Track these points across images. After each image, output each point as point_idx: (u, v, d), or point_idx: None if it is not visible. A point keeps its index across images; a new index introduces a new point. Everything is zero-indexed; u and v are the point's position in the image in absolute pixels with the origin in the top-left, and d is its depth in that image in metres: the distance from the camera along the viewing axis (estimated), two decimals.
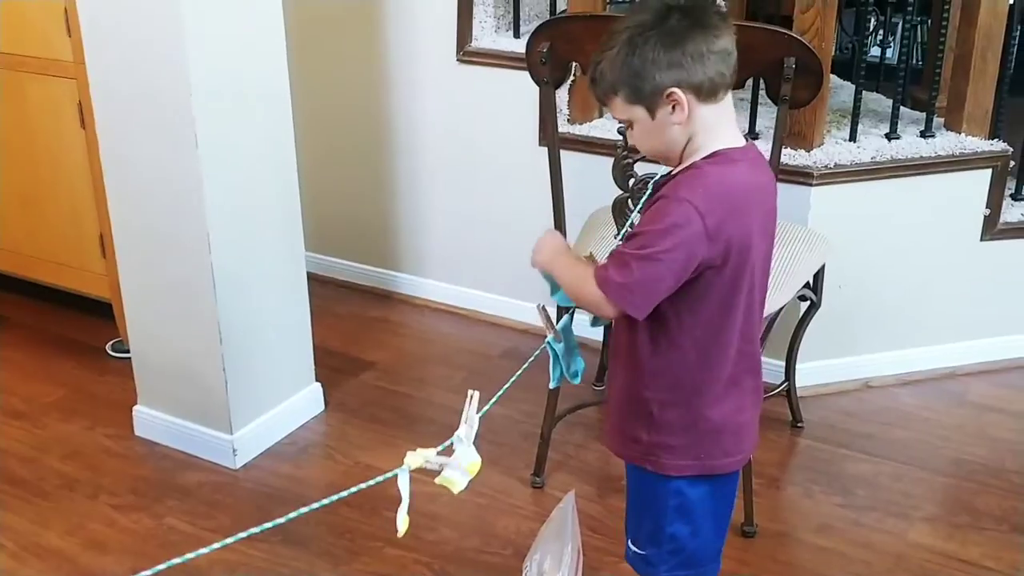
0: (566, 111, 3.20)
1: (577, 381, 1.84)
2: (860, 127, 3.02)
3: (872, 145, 2.98)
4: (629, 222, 2.03)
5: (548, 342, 1.77)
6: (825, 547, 2.49)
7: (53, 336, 3.45)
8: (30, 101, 3.19)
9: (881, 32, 4.33)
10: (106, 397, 3.08)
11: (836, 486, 2.71)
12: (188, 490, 2.69)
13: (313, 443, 2.90)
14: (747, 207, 1.60)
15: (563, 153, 2.54)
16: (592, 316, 1.74)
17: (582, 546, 2.12)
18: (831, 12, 2.78)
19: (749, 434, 1.79)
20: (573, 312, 1.81)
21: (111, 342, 3.34)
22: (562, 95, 3.16)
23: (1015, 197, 3.23)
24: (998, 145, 3.05)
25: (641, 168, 2.24)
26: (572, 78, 3.00)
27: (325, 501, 1.31)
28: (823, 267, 2.73)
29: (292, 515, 1.25)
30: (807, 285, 2.68)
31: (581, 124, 3.21)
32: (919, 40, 5.06)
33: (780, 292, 2.46)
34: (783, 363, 2.91)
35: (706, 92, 1.56)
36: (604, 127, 3.18)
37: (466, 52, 3.32)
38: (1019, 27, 3.04)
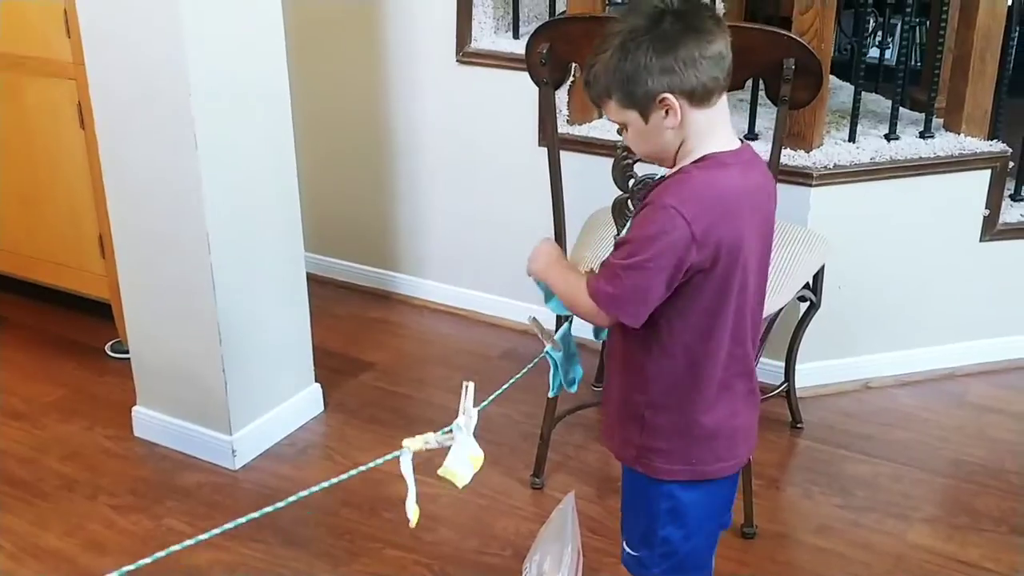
0: (566, 112, 3.20)
1: (574, 390, 1.85)
2: (859, 128, 3.02)
3: (871, 146, 2.98)
4: (628, 224, 2.02)
5: (547, 352, 1.77)
6: (824, 548, 2.49)
7: (52, 336, 3.45)
8: (29, 102, 3.19)
9: (880, 33, 4.32)
10: (105, 398, 3.08)
11: (835, 487, 2.71)
12: (187, 491, 2.69)
13: (312, 444, 2.90)
14: (736, 210, 1.59)
15: (563, 154, 2.54)
16: (594, 327, 1.75)
17: (582, 547, 2.12)
18: (830, 13, 2.79)
19: (744, 439, 1.78)
20: (571, 319, 1.81)
21: (110, 343, 3.34)
22: (562, 96, 3.16)
23: (1014, 198, 3.23)
24: (997, 146, 3.05)
25: (641, 169, 2.24)
26: (572, 79, 3.00)
27: (314, 488, 1.31)
28: (823, 268, 2.73)
29: (279, 504, 1.25)
30: (807, 286, 2.68)
31: (581, 125, 3.21)
32: (918, 41, 5.06)
33: (780, 293, 2.46)
34: (783, 364, 2.92)
35: (699, 97, 1.56)
36: (604, 128, 3.18)
37: (465, 53, 3.32)
38: (1018, 28, 3.04)
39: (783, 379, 2.92)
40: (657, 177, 1.76)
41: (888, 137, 3.02)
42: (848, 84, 3.33)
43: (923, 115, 3.09)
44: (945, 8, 3.11)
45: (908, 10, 3.06)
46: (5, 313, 3.59)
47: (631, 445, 1.76)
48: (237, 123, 2.57)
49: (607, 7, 3.13)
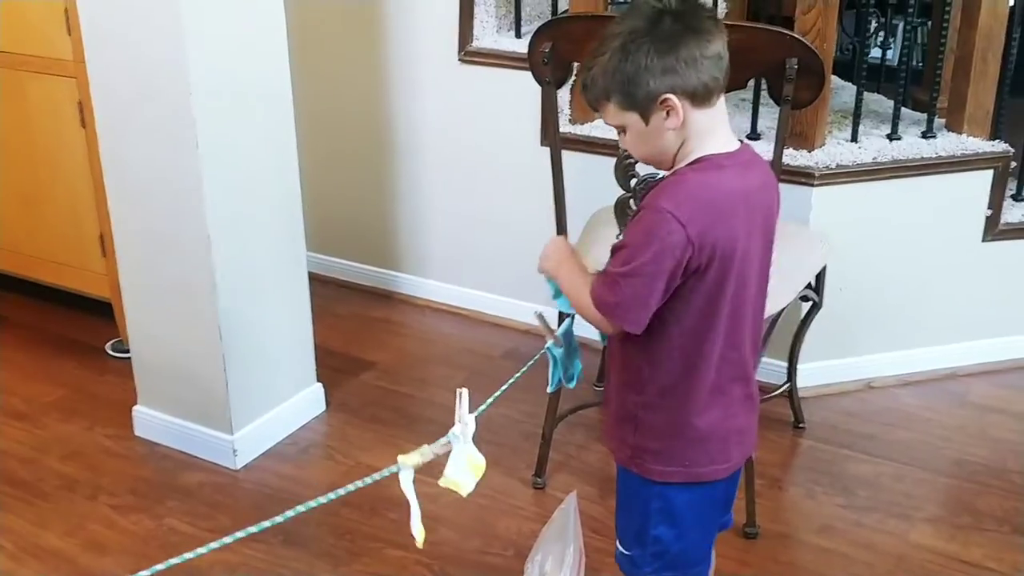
0: (568, 111, 3.20)
1: (572, 386, 1.85)
2: (861, 128, 3.02)
3: (873, 146, 2.98)
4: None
5: (548, 347, 1.77)
6: (827, 548, 2.49)
7: (53, 336, 3.44)
8: (30, 100, 3.19)
9: (882, 33, 4.32)
10: (106, 397, 3.08)
11: (838, 487, 2.70)
12: (188, 491, 2.68)
13: (314, 443, 2.89)
14: (732, 213, 1.59)
15: (565, 153, 2.54)
16: (600, 333, 1.75)
17: (584, 547, 2.12)
18: (832, 13, 2.78)
19: (738, 442, 1.77)
20: (574, 316, 1.80)
21: (111, 342, 3.34)
22: (564, 95, 3.16)
23: (1016, 198, 3.23)
24: (999, 146, 3.05)
25: (643, 168, 2.23)
26: (574, 78, 2.99)
27: (322, 500, 1.31)
28: (825, 268, 2.72)
29: (289, 513, 1.24)
30: (809, 286, 2.68)
31: (583, 124, 3.21)
32: (920, 41, 5.06)
33: (782, 293, 2.45)
34: (785, 364, 2.91)
35: (700, 97, 1.56)
36: (606, 127, 3.17)
37: (467, 52, 3.32)
38: (1019, 28, 3.04)
39: (785, 379, 2.91)
40: (658, 177, 1.76)
41: (890, 137, 3.02)
42: (850, 84, 3.33)
43: (925, 115, 3.09)
44: (947, 8, 3.11)
45: (910, 10, 3.06)
46: (6, 312, 3.59)
47: (626, 445, 1.76)
48: (238, 122, 2.57)
49: (609, 6, 3.13)
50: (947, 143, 3.01)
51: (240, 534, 1.24)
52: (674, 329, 1.63)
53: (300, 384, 2.96)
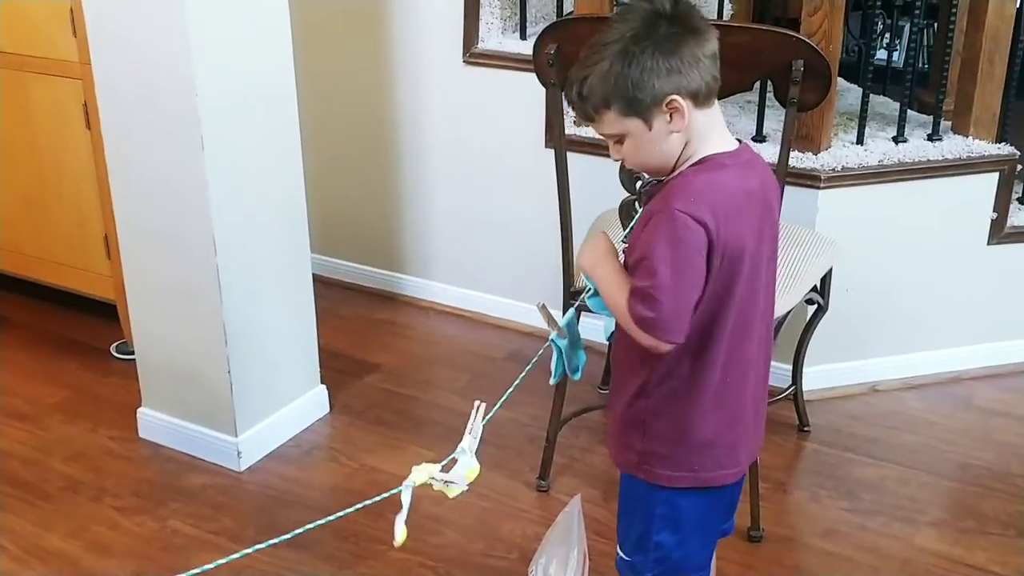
0: (573, 113, 3.18)
1: (578, 377, 1.82)
2: (867, 130, 3.01)
3: (879, 148, 2.97)
4: (631, 226, 2.01)
5: (552, 339, 1.76)
6: (831, 551, 2.48)
7: (57, 337, 3.44)
8: (35, 101, 3.19)
9: (888, 35, 4.32)
10: (110, 399, 3.08)
11: (842, 490, 2.70)
12: (192, 492, 2.68)
13: (318, 445, 2.89)
14: (738, 212, 1.58)
15: (570, 155, 2.53)
16: (609, 332, 1.74)
17: (588, 550, 2.11)
18: (839, 15, 2.78)
19: (746, 446, 1.77)
20: (579, 308, 1.80)
21: (115, 343, 3.34)
22: None
23: (1022, 201, 3.22)
24: (1005, 149, 3.04)
25: None
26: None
27: (341, 513, 1.31)
28: (830, 271, 2.72)
29: (310, 526, 1.24)
30: (814, 288, 2.67)
31: (588, 126, 3.20)
32: (926, 43, 5.05)
33: (787, 296, 2.45)
34: (790, 367, 2.90)
35: (702, 97, 1.55)
36: None
37: (472, 54, 3.32)
38: None
39: (790, 382, 2.91)
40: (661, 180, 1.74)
41: (896, 140, 3.01)
42: (856, 86, 3.32)
43: (931, 118, 3.08)
44: (953, 10, 3.10)
45: (916, 12, 3.05)
46: (9, 313, 3.59)
47: (632, 451, 1.75)
48: (243, 123, 2.57)
49: (615, 7, 3.12)
50: (953, 146, 3.01)
51: (262, 545, 1.24)
52: None
53: (304, 386, 2.96)
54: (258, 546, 1.22)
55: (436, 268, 3.68)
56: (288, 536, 1.25)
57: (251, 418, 2.77)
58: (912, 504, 2.65)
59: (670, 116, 1.55)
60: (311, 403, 2.98)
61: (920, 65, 4.23)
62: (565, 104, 3.11)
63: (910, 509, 2.63)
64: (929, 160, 2.97)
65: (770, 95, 2.76)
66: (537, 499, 2.66)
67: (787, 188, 2.30)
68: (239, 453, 2.75)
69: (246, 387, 2.72)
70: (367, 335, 3.50)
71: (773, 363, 2.83)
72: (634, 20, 1.55)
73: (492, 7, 3.32)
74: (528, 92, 3.00)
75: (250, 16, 2.53)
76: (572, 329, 1.78)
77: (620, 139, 1.61)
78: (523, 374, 1.63)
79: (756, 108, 3.00)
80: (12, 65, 3.17)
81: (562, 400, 2.64)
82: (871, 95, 3.06)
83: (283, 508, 2.60)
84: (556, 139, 2.50)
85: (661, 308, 1.53)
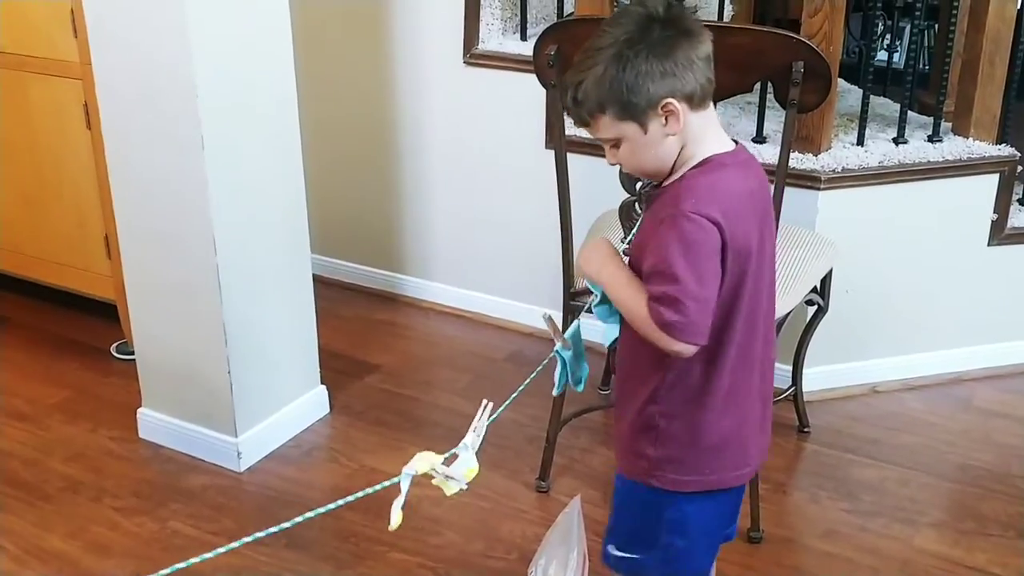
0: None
1: (581, 388, 1.82)
2: (868, 131, 3.01)
3: (880, 149, 2.97)
4: (636, 229, 2.01)
5: (557, 350, 1.75)
6: (831, 553, 2.48)
7: (57, 337, 3.44)
8: (35, 101, 3.19)
9: (889, 36, 4.32)
10: (110, 399, 3.08)
11: (842, 491, 2.70)
12: (192, 493, 2.68)
13: (318, 446, 2.89)
14: (744, 212, 1.58)
15: (570, 156, 2.53)
16: (611, 340, 1.73)
17: (587, 551, 2.11)
18: (839, 16, 2.78)
19: (755, 444, 1.77)
20: (579, 318, 1.79)
21: (116, 344, 3.34)
22: None
23: (1023, 202, 3.22)
24: (1006, 150, 3.04)
25: None
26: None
27: (331, 506, 1.31)
28: (830, 272, 2.72)
29: (296, 520, 1.24)
30: (814, 290, 2.67)
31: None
32: (926, 44, 5.06)
33: (788, 296, 2.45)
34: (790, 368, 2.90)
35: (697, 100, 1.55)
36: None
37: (473, 55, 3.32)
38: None
39: (790, 383, 2.91)
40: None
41: (896, 141, 3.01)
42: (856, 87, 3.32)
43: (931, 119, 3.08)
44: (954, 11, 3.10)
45: (917, 13, 3.05)
46: (9, 313, 3.59)
47: (643, 459, 1.73)
48: (243, 124, 2.57)
49: (615, 8, 3.12)
50: (953, 147, 3.01)
51: (248, 539, 1.24)
52: None
53: (304, 387, 2.96)
54: (243, 540, 1.21)
55: (436, 269, 3.68)
56: (274, 529, 1.24)
57: (251, 418, 2.77)
58: (912, 505, 2.65)
59: (665, 119, 1.55)
60: (311, 404, 2.98)
61: (921, 66, 4.23)
62: None
63: (910, 510, 2.63)
64: (929, 161, 2.97)
65: (770, 96, 2.75)
66: (537, 500, 2.66)
67: (787, 189, 2.30)
68: (239, 454, 2.75)
69: (246, 387, 2.72)
70: (367, 336, 3.50)
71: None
72: (628, 24, 1.55)
73: (492, 8, 3.32)
74: (528, 93, 3.00)
75: (250, 16, 2.53)
76: (576, 341, 1.78)
77: (616, 143, 1.60)
78: (528, 380, 1.63)
79: (756, 109, 3.00)
80: (12, 65, 3.17)
81: (562, 401, 2.64)
82: (871, 96, 3.06)
83: (283, 509, 2.60)
84: (556, 140, 2.50)
85: (688, 311, 1.52)
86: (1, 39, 3.14)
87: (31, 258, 3.47)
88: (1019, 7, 2.97)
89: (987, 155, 3.01)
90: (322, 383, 3.01)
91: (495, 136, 3.38)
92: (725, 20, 3.48)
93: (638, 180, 2.31)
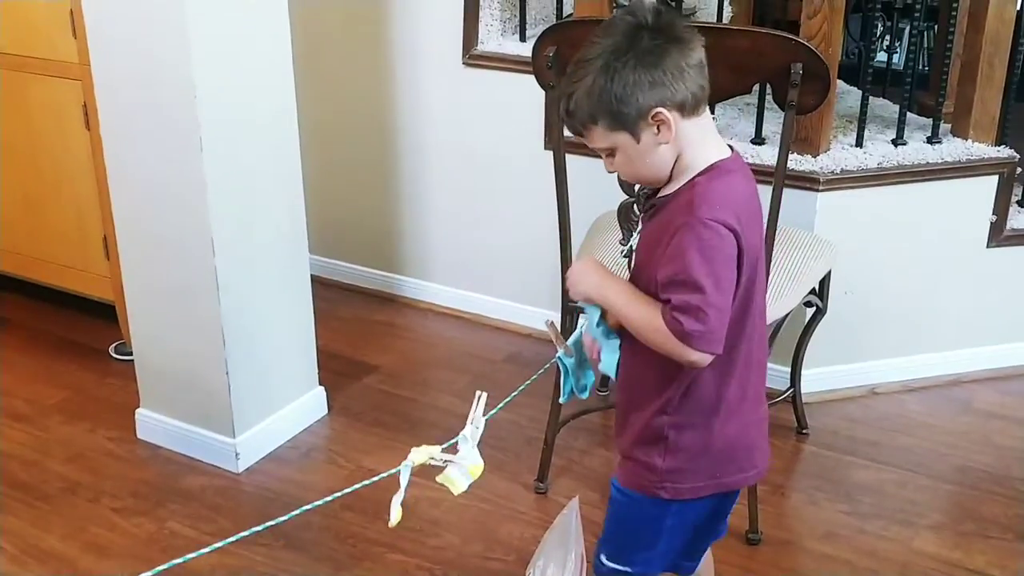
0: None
1: (586, 396, 1.81)
2: (867, 133, 3.01)
3: (879, 151, 2.97)
4: (637, 232, 2.00)
5: (559, 357, 1.74)
6: (830, 555, 2.48)
7: (56, 338, 3.44)
8: (35, 102, 3.19)
9: (888, 37, 4.32)
10: (108, 400, 3.07)
11: (841, 493, 2.69)
12: (190, 494, 2.68)
13: (316, 447, 2.89)
14: (751, 216, 1.59)
15: (569, 157, 2.52)
16: (614, 367, 1.72)
17: (585, 552, 2.11)
18: (838, 17, 2.78)
19: (760, 446, 1.76)
20: (582, 325, 1.79)
21: (114, 344, 3.33)
22: None
23: (1022, 204, 3.22)
24: (1005, 151, 3.04)
25: None
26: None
27: (328, 498, 1.31)
28: (829, 273, 2.72)
29: (291, 514, 1.25)
30: (813, 291, 2.67)
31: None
32: (926, 46, 5.06)
33: (786, 298, 2.45)
34: (789, 369, 2.90)
35: (689, 108, 1.54)
36: None
37: (472, 55, 3.32)
38: None
39: (789, 384, 2.90)
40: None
41: (895, 142, 3.01)
42: (855, 89, 3.32)
43: (931, 120, 3.08)
44: (953, 12, 3.10)
45: (916, 15, 3.05)
46: (8, 314, 3.59)
47: (652, 472, 1.70)
48: (242, 125, 2.57)
49: (614, 10, 3.12)
50: (952, 148, 3.00)
51: (244, 534, 1.24)
52: None
53: (302, 388, 2.96)
54: (236, 536, 1.22)
55: (435, 269, 3.68)
56: (261, 528, 1.24)
57: (249, 419, 2.77)
58: (911, 507, 2.65)
59: (657, 128, 1.53)
60: (309, 404, 2.97)
61: (920, 68, 4.23)
62: None
63: (909, 512, 2.63)
64: (928, 163, 2.97)
65: (769, 98, 2.75)
66: (535, 501, 2.66)
67: (786, 191, 2.30)
68: (237, 454, 2.74)
69: (244, 388, 2.72)
70: (366, 336, 3.50)
71: (772, 366, 2.86)
72: (616, 34, 1.53)
73: (492, 9, 3.32)
74: (527, 94, 3.00)
75: (250, 18, 2.53)
76: (579, 348, 1.76)
77: (612, 152, 1.59)
78: (527, 383, 1.63)
79: (755, 111, 3.00)
80: (12, 66, 3.17)
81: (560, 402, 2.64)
82: (871, 97, 3.06)
83: (281, 510, 2.57)
84: (555, 141, 2.50)
85: (710, 320, 1.50)
86: (1, 39, 3.14)
87: (30, 259, 3.47)
88: (1018, 8, 2.98)
89: (986, 157, 3.01)
90: (320, 384, 3.01)
91: (494, 137, 3.38)
92: (724, 22, 3.47)
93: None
